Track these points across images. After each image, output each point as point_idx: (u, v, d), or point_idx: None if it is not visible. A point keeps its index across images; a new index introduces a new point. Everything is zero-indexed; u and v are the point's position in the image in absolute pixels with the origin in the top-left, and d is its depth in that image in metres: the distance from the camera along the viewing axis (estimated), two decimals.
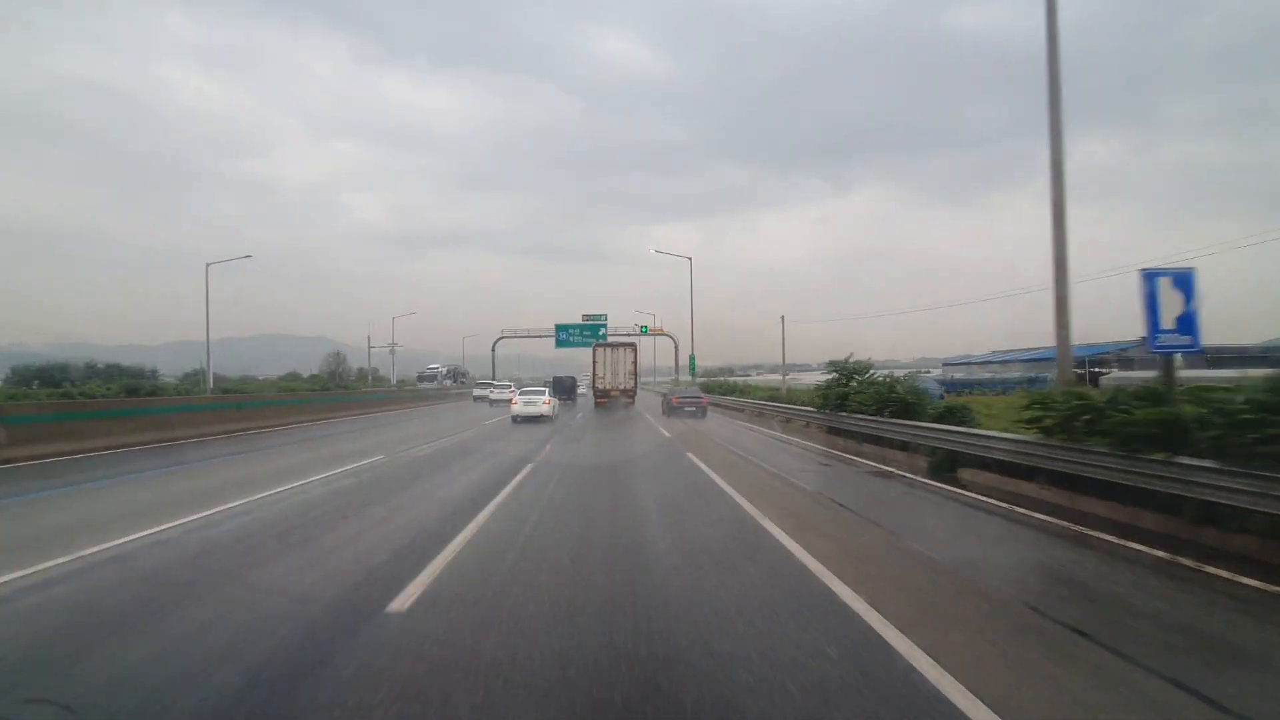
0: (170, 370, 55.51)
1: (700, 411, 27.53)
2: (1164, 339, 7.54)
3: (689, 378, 44.18)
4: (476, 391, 47.11)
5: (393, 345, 62.43)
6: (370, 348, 63.34)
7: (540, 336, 52.10)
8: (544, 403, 24.56)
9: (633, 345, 35.49)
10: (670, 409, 28.22)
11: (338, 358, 76.36)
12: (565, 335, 47.23)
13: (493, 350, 57.94)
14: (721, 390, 39.06)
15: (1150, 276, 7.57)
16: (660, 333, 53.29)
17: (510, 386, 38.54)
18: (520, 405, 24.58)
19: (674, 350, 53.28)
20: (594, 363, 34.44)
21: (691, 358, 44.34)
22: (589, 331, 45.65)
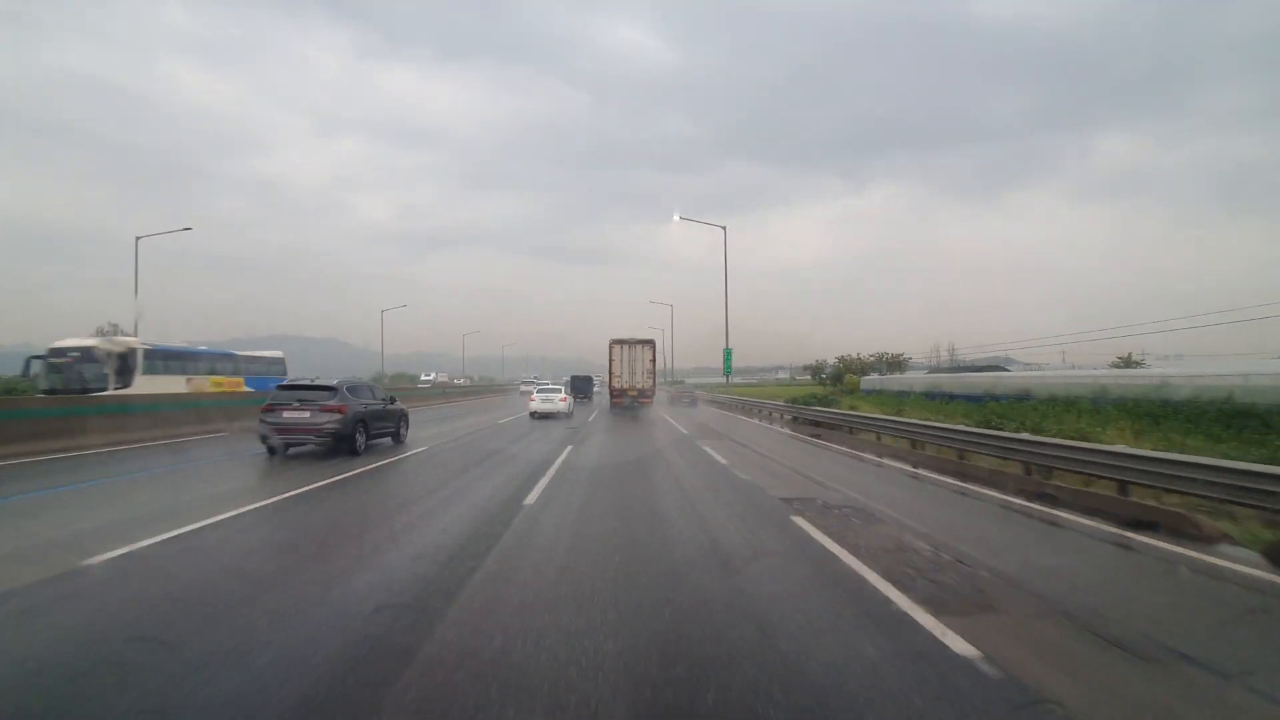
0: None
1: (693, 403, 40.66)
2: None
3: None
4: (523, 388, 60.22)
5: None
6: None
7: None
8: (560, 399, 25.39)
9: (651, 342, 33.42)
10: (673, 400, 41.69)
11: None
12: None
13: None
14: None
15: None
16: None
17: (549, 384, 40.14)
18: (538, 403, 25.08)
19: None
20: (610, 360, 32.92)
21: (727, 352, 34.71)
22: None
